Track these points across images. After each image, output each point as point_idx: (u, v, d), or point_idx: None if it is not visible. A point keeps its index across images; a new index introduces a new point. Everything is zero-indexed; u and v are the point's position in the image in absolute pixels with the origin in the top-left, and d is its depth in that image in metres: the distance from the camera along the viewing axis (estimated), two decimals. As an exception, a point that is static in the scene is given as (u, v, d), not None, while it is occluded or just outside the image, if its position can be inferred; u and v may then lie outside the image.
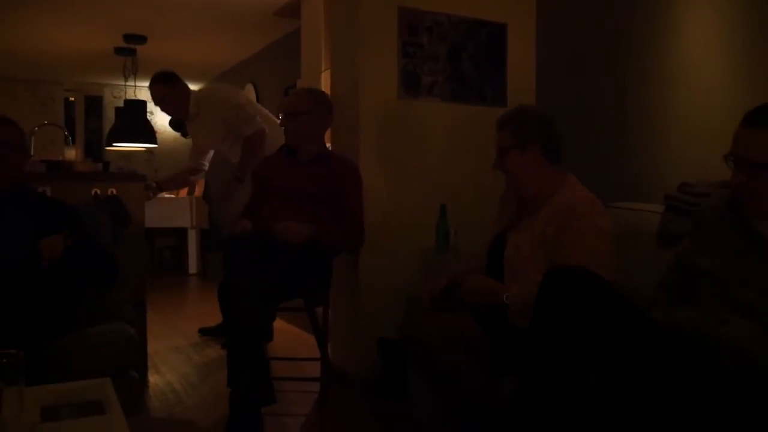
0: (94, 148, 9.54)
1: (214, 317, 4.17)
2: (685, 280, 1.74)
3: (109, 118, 9.20)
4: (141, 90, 8.47)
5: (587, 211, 1.97)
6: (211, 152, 4.24)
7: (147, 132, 7.36)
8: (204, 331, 4.29)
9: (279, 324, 4.23)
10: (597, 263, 1.80)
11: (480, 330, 2.00)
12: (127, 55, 7.22)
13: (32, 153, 4.36)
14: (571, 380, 1.57)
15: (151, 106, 8.37)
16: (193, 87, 4.48)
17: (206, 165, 4.29)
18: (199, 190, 7.47)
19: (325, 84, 4.61)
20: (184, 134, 6.43)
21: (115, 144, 7.58)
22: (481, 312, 2.06)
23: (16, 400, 1.25)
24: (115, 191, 3.44)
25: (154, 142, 7.59)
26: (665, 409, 1.51)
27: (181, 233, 7.38)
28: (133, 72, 7.42)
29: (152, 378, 3.34)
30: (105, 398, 1.45)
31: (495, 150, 2.18)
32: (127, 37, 6.72)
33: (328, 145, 3.33)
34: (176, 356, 3.80)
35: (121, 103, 8.31)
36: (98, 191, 3.45)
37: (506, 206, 2.29)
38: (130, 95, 8.16)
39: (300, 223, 2.72)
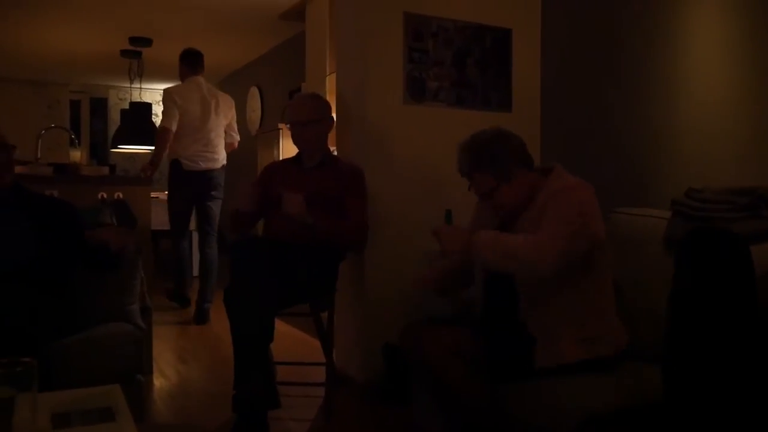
0: (98, 150, 9.57)
1: (218, 321, 4.19)
2: None
3: (114, 120, 9.24)
4: (146, 92, 8.51)
5: (573, 188, 1.95)
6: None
7: (152, 134, 7.37)
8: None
9: (284, 328, 4.24)
10: (573, 232, 1.85)
11: (478, 343, 1.99)
12: (133, 57, 7.25)
13: (39, 155, 4.40)
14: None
15: (156, 109, 8.41)
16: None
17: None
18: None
19: (330, 88, 4.62)
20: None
21: (120, 146, 7.61)
22: (480, 325, 2.05)
23: (28, 407, 1.26)
24: (121, 195, 3.47)
25: (159, 145, 7.59)
26: None
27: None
28: (138, 74, 7.45)
29: (157, 381, 3.35)
30: (115, 405, 1.46)
31: (474, 192, 2.14)
32: (133, 40, 6.76)
33: (333, 149, 3.34)
34: (181, 359, 3.81)
35: (126, 105, 8.35)
36: (104, 194, 3.48)
37: (485, 210, 2.25)
38: (136, 97, 8.20)
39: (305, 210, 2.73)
